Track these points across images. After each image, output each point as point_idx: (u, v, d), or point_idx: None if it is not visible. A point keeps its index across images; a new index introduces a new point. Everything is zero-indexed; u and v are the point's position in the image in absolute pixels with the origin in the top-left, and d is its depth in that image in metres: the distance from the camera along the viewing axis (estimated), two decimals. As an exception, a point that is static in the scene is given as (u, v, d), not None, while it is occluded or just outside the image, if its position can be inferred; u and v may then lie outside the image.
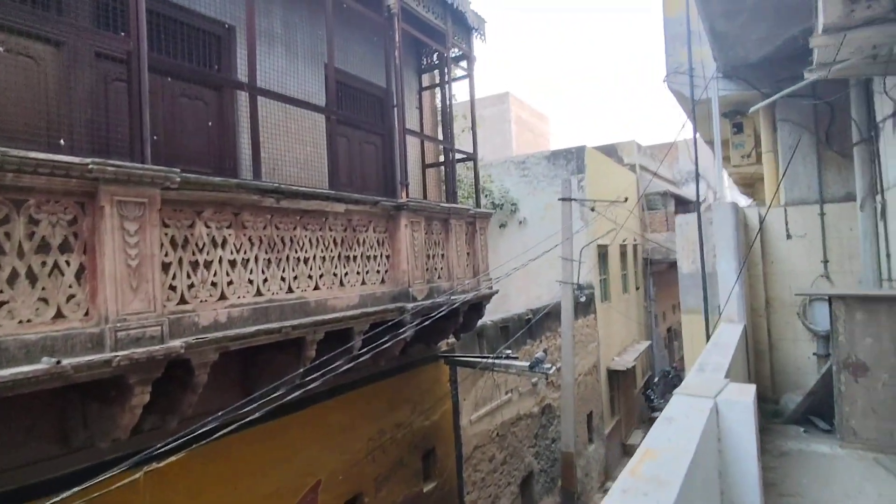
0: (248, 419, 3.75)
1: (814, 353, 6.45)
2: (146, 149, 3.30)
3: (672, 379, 20.31)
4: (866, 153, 5.70)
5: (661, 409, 14.86)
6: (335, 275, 4.83)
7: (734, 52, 6.01)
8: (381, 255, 5.37)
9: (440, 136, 7.39)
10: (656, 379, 20.17)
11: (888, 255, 5.25)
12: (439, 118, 8.62)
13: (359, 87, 6.49)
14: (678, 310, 26.17)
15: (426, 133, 7.33)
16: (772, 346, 6.65)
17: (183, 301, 3.51)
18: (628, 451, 15.55)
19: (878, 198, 5.42)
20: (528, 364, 6.87)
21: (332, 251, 4.81)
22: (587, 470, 12.89)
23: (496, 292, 7.22)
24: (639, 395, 18.18)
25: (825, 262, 6.38)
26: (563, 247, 9.79)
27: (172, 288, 3.46)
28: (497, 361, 7.00)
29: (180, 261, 3.54)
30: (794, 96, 5.73)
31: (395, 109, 5.85)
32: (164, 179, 3.28)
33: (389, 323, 5.14)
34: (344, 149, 6.07)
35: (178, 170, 3.37)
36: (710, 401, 2.74)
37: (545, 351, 7.12)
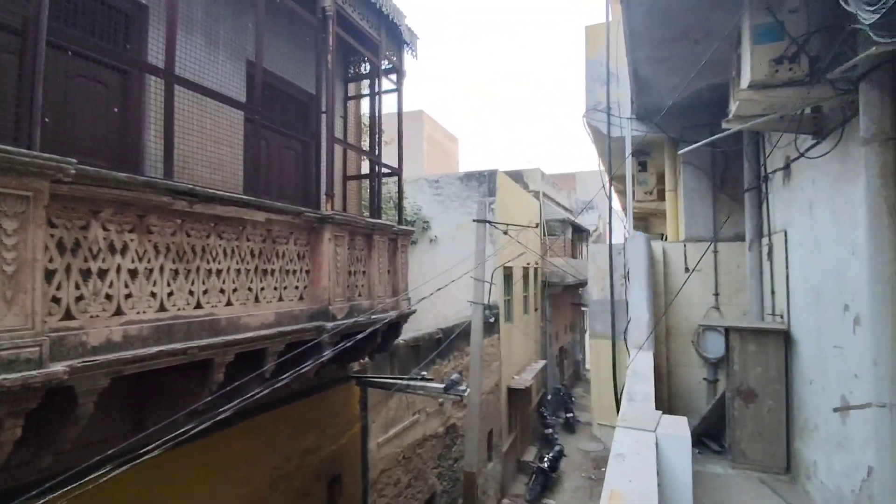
0: (141, 456, 3.19)
1: (704, 378, 6.98)
2: (35, 132, 2.73)
3: (563, 397, 21.29)
4: (755, 199, 6.33)
5: (553, 426, 15.36)
6: (250, 290, 4.36)
7: (650, 96, 6.44)
8: (301, 270, 4.97)
9: (363, 148, 7.11)
10: (549, 397, 21.02)
11: (772, 292, 5.82)
12: (363, 129, 8.33)
13: (282, 88, 6.06)
14: (570, 331, 27.68)
15: (350, 143, 7.02)
16: (670, 371, 7.10)
17: (69, 316, 2.92)
18: (523, 468, 15.92)
19: (765, 240, 6.03)
20: (443, 386, 6.73)
21: (248, 263, 4.35)
22: (485, 488, 12.96)
23: (415, 312, 7.03)
24: (534, 412, 18.79)
25: (716, 294, 6.96)
26: (477, 269, 9.86)
27: (56, 300, 2.87)
28: (412, 383, 6.78)
29: (68, 268, 2.95)
30: (693, 142, 6.25)
31: (324, 116, 5.51)
32: (55, 171, 2.72)
33: (308, 344, 4.75)
34: (263, 153, 5.59)
35: (75, 161, 2.82)
36: (653, 435, 2.74)
37: (460, 372, 7.01)
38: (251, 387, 4.21)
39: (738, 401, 5.34)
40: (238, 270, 4.23)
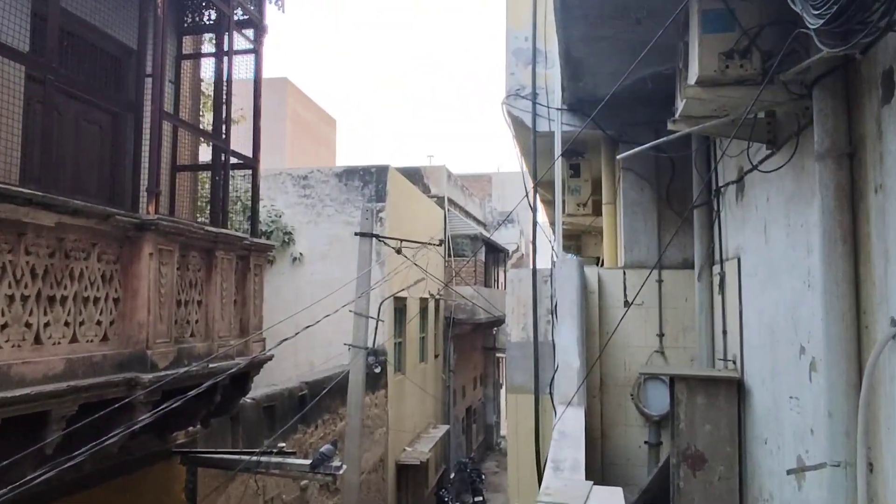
0: None
1: (645, 442, 7.56)
2: None
3: (470, 474, 21.70)
4: (706, 218, 7.06)
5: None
6: (28, 325, 4.13)
7: (585, 83, 6.99)
8: (107, 298, 4.78)
9: (209, 128, 6.97)
10: (452, 475, 21.32)
11: (724, 332, 6.50)
12: (204, 102, 8.16)
13: (85, 36, 5.82)
14: (480, 384, 28.42)
15: (183, 119, 6.86)
16: (604, 433, 7.60)
17: None
18: (415, 574, 16.00)
19: (717, 268, 6.74)
20: (309, 463, 6.68)
21: (25, 287, 4.11)
22: None
23: (271, 358, 6.95)
24: (431, 496, 18.97)
25: (661, 335, 7.61)
26: (359, 299, 9.94)
27: None
28: (265, 459, 6.66)
29: None
30: (634, 143, 6.87)
31: (149, 80, 5.38)
32: None
33: (113, 406, 4.54)
34: (54, 128, 5.30)
35: None
36: (581, 511, 3.00)
37: (334, 443, 7.02)
38: (23, 469, 3.95)
39: (685, 468, 5.87)
40: (10, 297, 3.98)
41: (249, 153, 7.13)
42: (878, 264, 3.09)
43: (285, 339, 6.89)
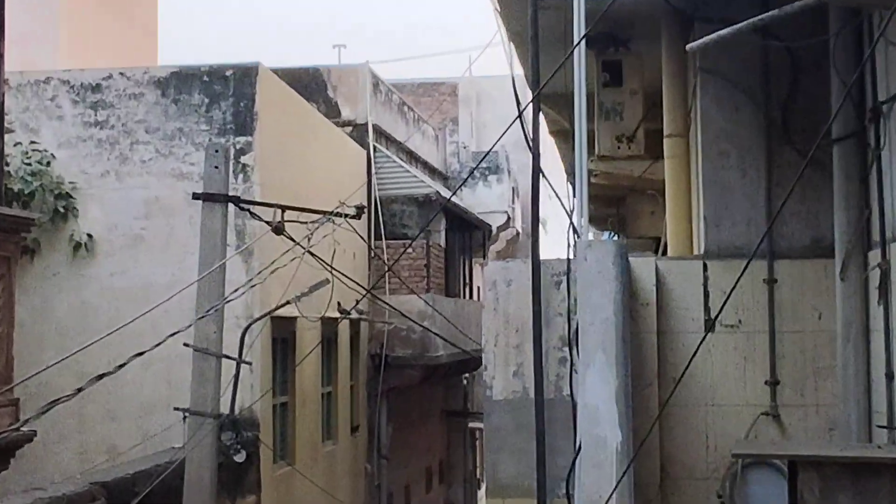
0: None
1: (744, 584, 7.65)
2: None
3: None
4: (855, 162, 7.13)
5: None
6: None
7: None
8: None
9: None
10: None
11: (890, 376, 6.59)
12: None
13: None
14: (439, 481, 28.37)
15: None
16: (669, 569, 7.68)
17: None
18: None
19: (875, 255, 6.80)
20: None
21: None
22: None
23: (31, 439, 6.87)
24: None
25: (773, 383, 7.69)
26: (202, 324, 9.84)
27: None
28: None
29: None
30: (722, 23, 6.90)
31: None
32: None
33: None
34: None
35: None
36: None
37: None
38: None
39: None
40: None
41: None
42: None
43: (60, 401, 6.79)
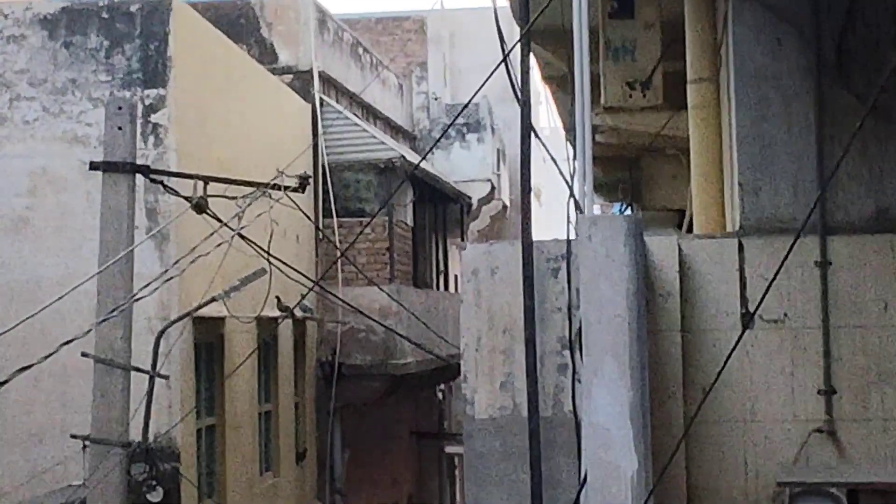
0: None
1: None
2: None
3: None
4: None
5: None
6: None
7: None
8: None
9: None
10: None
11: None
12: None
13: None
14: (409, 519, 28.34)
15: None
16: None
17: None
18: None
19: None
20: None
21: None
22: None
23: None
24: None
25: (828, 392, 7.71)
26: (104, 328, 9.81)
27: None
28: None
29: None
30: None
31: None
32: None
33: None
34: None
35: None
36: None
37: None
38: None
39: None
40: None
41: None
42: None
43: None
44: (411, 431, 27.93)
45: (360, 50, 25.61)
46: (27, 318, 8.41)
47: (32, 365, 7.73)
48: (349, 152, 21.73)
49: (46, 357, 7.96)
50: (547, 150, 9.08)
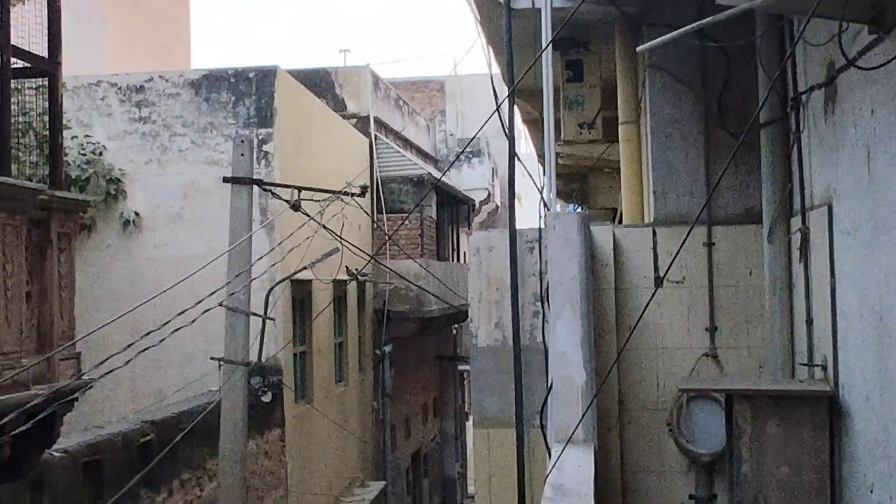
0: None
1: (691, 496, 7.73)
2: None
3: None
4: (779, 143, 7.17)
5: None
6: None
7: (586, -70, 6.98)
8: None
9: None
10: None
11: (809, 322, 6.63)
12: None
13: None
14: (433, 415, 28.49)
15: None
16: (626, 485, 7.75)
17: None
18: None
19: (797, 222, 6.84)
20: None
21: None
22: None
23: (91, 385, 6.89)
24: None
25: (712, 329, 7.76)
26: (234, 285, 9.86)
27: None
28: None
29: None
30: (667, 28, 6.90)
31: None
32: None
33: None
34: None
35: None
36: None
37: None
38: None
39: (751, 534, 6.03)
40: None
41: (44, 51, 6.97)
42: None
43: (116, 355, 6.81)
44: (435, 355, 27.97)
45: (401, 102, 25.66)
46: (181, 281, 8.45)
47: (185, 311, 7.78)
48: (393, 170, 21.90)
49: (194, 305, 8.01)
50: (525, 169, 9.14)
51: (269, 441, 14.03)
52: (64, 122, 13.85)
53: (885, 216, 4.82)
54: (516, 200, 9.03)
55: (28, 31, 7.03)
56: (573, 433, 6.52)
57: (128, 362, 7.14)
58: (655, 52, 7.52)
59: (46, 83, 7.03)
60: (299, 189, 11.22)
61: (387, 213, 21.11)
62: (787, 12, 6.12)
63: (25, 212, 6.17)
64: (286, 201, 11.14)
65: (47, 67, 6.94)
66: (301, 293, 15.74)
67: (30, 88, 7.36)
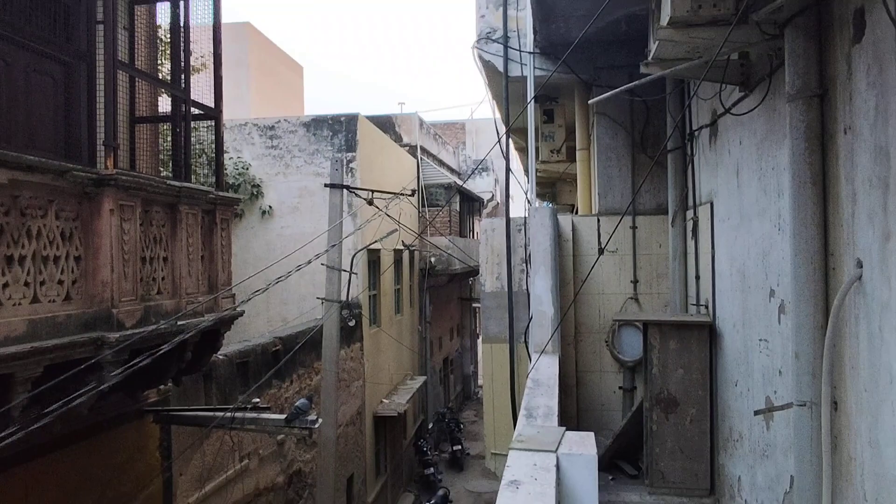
0: None
1: (620, 387, 7.76)
2: None
3: (448, 423, 22.12)
4: (680, 162, 7.12)
5: (434, 464, 16.12)
6: (-14, 286, 4.06)
7: (557, 25, 6.91)
8: (68, 257, 4.71)
9: (167, 77, 6.80)
10: (430, 425, 21.72)
11: (697, 278, 6.63)
12: (161, 49, 7.94)
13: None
14: (457, 335, 28.75)
15: (139, 68, 6.66)
16: (579, 380, 7.78)
17: None
18: (395, 523, 16.42)
19: (690, 213, 6.82)
20: (284, 417, 6.75)
21: (-20, 247, 4.04)
22: (345, 555, 13.20)
23: (241, 314, 6.95)
24: (410, 447, 19.35)
25: (635, 281, 7.75)
26: (331, 252, 9.90)
27: None
28: (239, 415, 6.71)
29: None
30: (608, 87, 6.85)
31: (101, 26, 5.19)
32: None
33: (80, 367, 4.52)
34: (1, 79, 5.13)
35: None
36: (553, 455, 3.09)
37: (309, 397, 7.09)
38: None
39: (658, 411, 6.05)
40: (-36, 258, 3.91)
41: (211, 103, 6.97)
42: (846, 206, 3.15)
43: (256, 293, 6.88)
44: (458, 297, 28.06)
45: (437, 136, 25.55)
46: (299, 249, 8.52)
47: (301, 266, 7.83)
48: (432, 180, 21.87)
49: (307, 263, 8.05)
50: (516, 179, 9.13)
51: (353, 350, 14.15)
52: (224, 148, 13.90)
53: (746, 210, 4.83)
54: (510, 199, 9.02)
55: (201, 90, 7.07)
56: (545, 346, 6.55)
57: (254, 294, 7.18)
58: (601, 104, 7.48)
59: (213, 124, 7.04)
60: (372, 191, 11.24)
61: (428, 206, 21.13)
62: (686, 77, 6.07)
63: (200, 205, 6.20)
64: (364, 199, 11.17)
65: (214, 113, 6.95)
66: (373, 257, 15.83)
67: (203, 127, 7.38)
